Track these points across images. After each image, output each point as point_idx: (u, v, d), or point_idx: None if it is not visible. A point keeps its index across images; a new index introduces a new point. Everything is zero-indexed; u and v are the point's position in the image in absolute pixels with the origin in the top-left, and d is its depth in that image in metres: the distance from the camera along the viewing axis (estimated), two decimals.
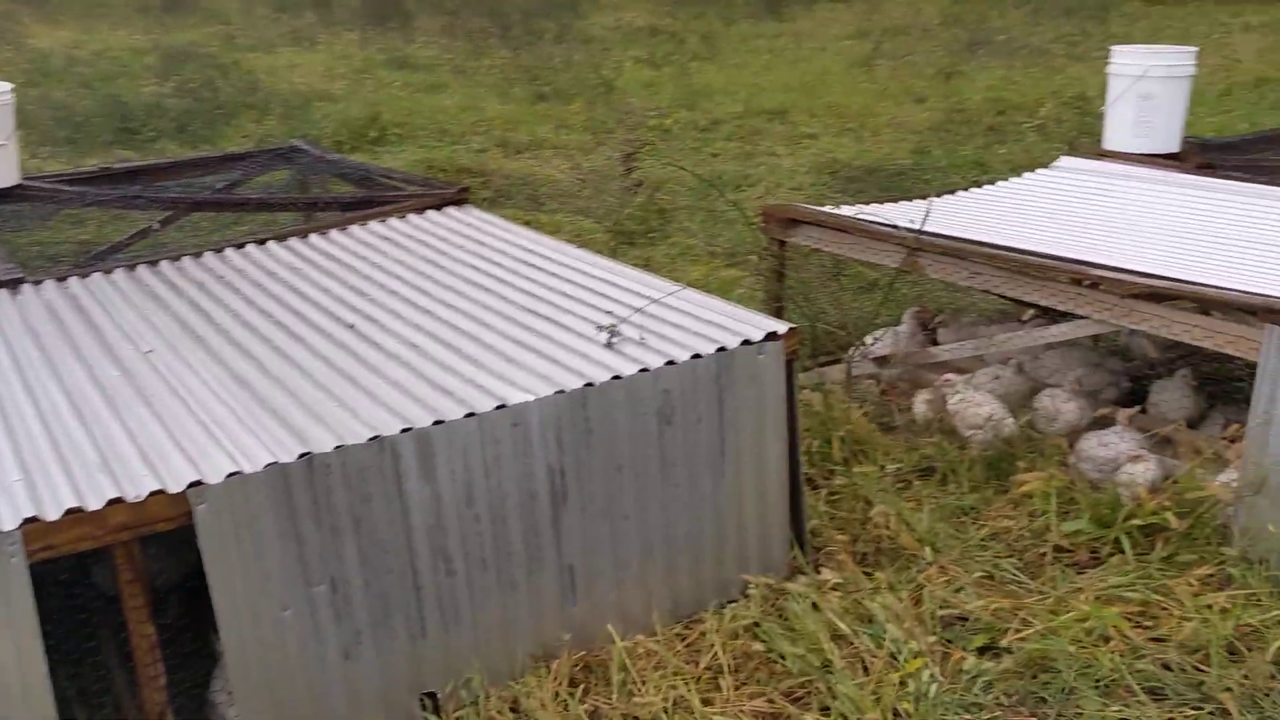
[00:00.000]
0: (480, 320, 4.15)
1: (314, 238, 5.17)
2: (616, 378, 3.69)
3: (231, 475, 3.10)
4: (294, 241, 5.14)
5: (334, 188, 6.51)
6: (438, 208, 5.44)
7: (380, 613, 3.40)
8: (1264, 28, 17.39)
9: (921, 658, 3.69)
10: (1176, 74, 6.58)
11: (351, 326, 4.14)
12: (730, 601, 4.06)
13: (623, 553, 3.83)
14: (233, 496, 3.11)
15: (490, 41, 18.15)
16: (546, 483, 3.63)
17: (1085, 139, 10.89)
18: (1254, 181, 6.12)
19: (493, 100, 14.30)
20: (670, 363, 3.78)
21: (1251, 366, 4.01)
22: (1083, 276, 4.54)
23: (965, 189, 6.59)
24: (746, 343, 3.91)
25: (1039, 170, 6.69)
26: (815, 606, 3.92)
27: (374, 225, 5.30)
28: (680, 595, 3.98)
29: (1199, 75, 6.80)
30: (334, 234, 5.22)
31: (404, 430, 3.33)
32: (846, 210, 5.80)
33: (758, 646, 3.80)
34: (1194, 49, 6.74)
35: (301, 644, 3.29)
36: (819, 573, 4.12)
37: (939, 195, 6.36)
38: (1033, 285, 4.77)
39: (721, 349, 3.86)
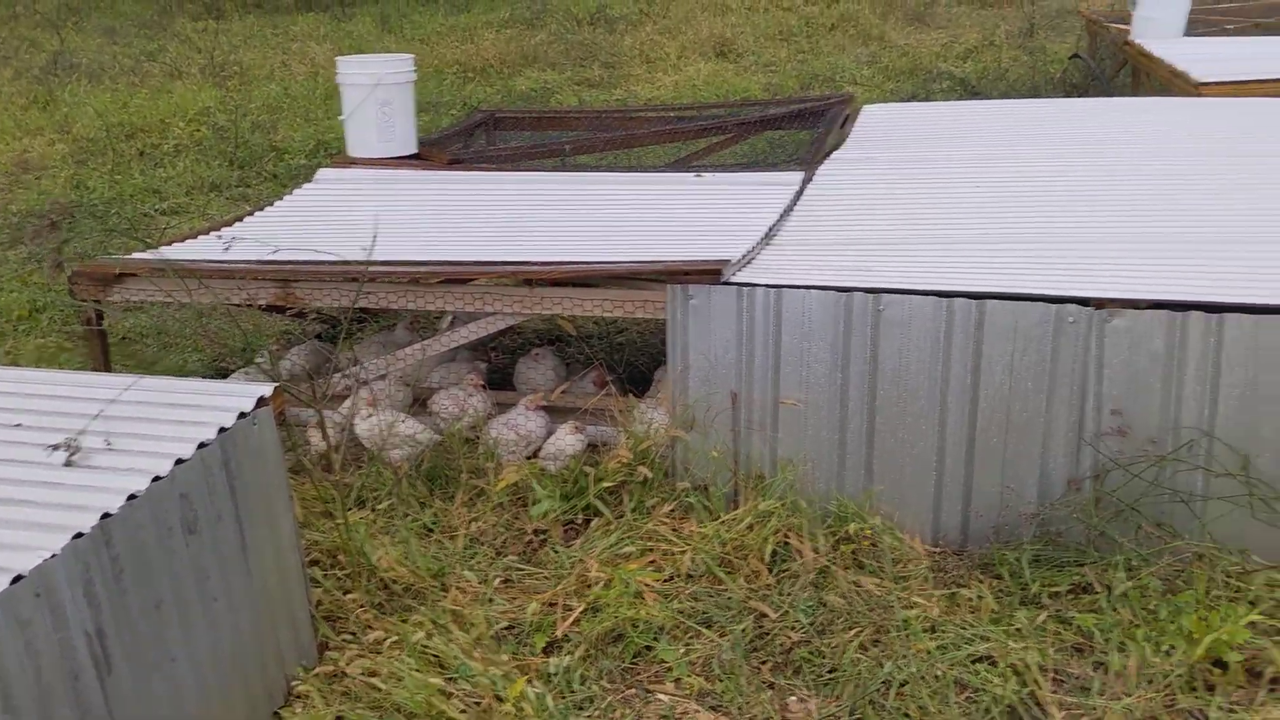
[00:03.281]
0: None
1: None
2: (133, 498, 2.86)
3: None
4: None
5: None
6: None
7: None
8: (324, 38, 18.59)
9: (518, 678, 3.54)
10: (404, 80, 6.85)
11: None
12: (283, 707, 3.45)
13: (183, 705, 3.02)
14: None
15: None
16: (88, 654, 2.71)
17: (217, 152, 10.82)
18: (501, 169, 6.69)
19: None
20: (180, 461, 3.03)
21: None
22: (498, 274, 4.61)
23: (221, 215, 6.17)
24: (242, 415, 3.28)
25: (307, 185, 6.50)
26: (387, 675, 3.51)
27: None
28: None
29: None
30: None
31: None
32: (164, 254, 5.06)
33: None
34: (412, 56, 7.06)
35: None
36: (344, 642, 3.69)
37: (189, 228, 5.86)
38: (433, 293, 4.70)
39: (223, 429, 3.20)
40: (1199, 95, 7.80)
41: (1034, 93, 10.46)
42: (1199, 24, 10.25)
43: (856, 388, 4.27)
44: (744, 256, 4.64)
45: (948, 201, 5.42)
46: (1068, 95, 10.22)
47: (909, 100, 10.91)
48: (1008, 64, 12.38)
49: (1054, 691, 3.50)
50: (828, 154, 6.51)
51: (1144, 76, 9.30)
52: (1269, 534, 3.93)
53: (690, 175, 6.13)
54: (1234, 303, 3.89)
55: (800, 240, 5.02)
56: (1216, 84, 7.85)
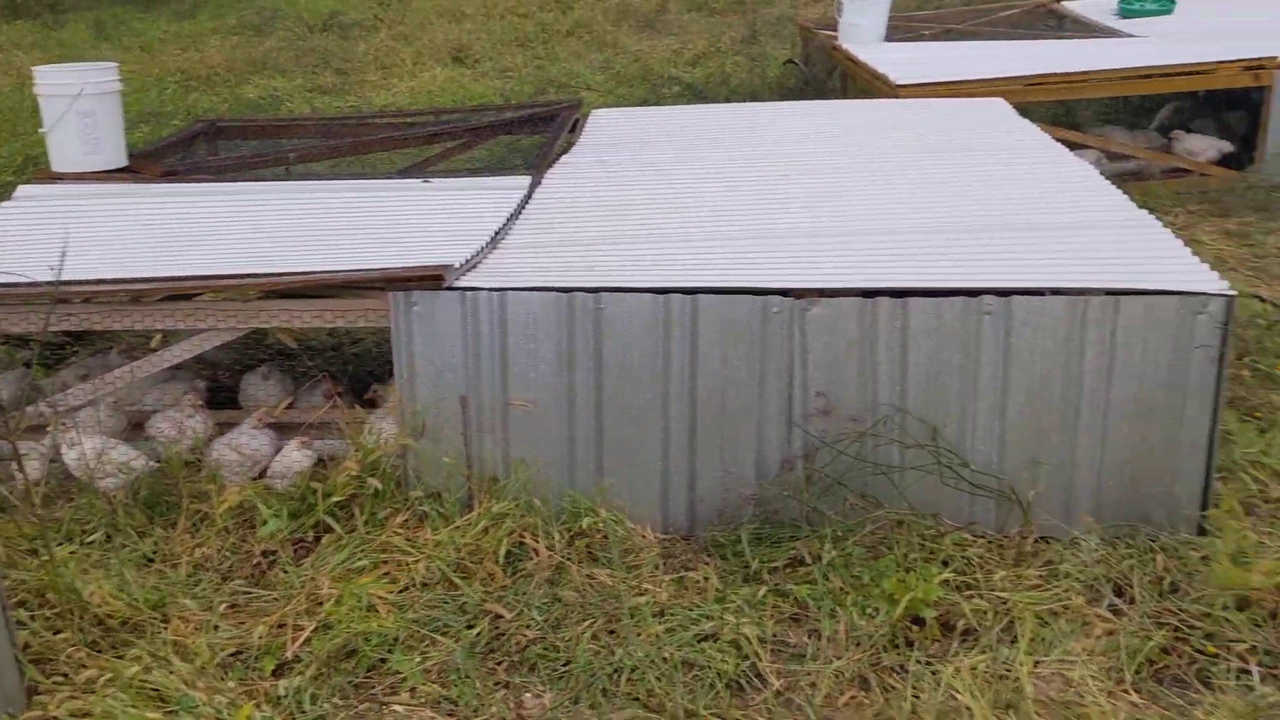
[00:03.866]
0: None
1: None
2: None
3: None
4: None
5: None
6: None
7: None
8: (33, 47, 17.25)
9: (244, 704, 3.41)
10: (109, 89, 6.45)
11: None
12: None
13: None
14: None
15: None
16: None
17: None
18: (220, 180, 6.41)
19: None
20: None
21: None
22: (205, 289, 4.40)
23: None
24: None
25: (5, 204, 6.02)
26: (101, 714, 3.31)
27: None
28: None
29: None
30: None
31: None
32: None
33: None
34: (116, 64, 6.65)
35: None
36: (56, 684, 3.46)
37: None
38: (141, 311, 4.45)
39: None
40: (897, 96, 8.37)
41: (754, 96, 10.92)
42: (899, 30, 10.99)
43: (583, 385, 4.35)
44: (469, 261, 4.64)
45: (669, 201, 5.60)
46: (784, 99, 10.75)
47: (640, 105, 11.19)
48: (731, 69, 12.89)
49: (773, 661, 3.68)
50: (557, 158, 6.60)
51: (851, 80, 9.89)
52: (957, 497, 4.27)
53: (418, 181, 6.07)
54: (917, 287, 4.20)
55: (527, 243, 5.06)
56: (913, 85, 8.45)
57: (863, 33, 10.13)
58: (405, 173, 7.15)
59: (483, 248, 4.83)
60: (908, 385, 4.23)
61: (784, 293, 4.23)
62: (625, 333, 4.28)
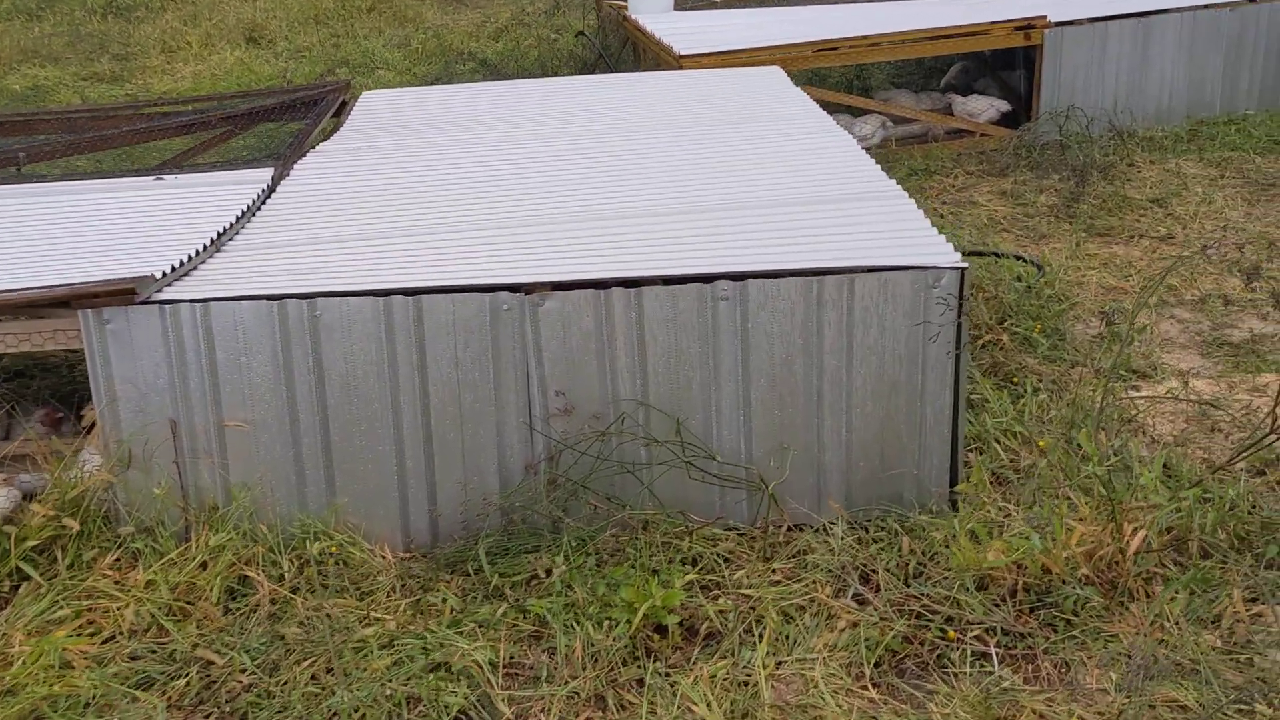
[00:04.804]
0: None
1: None
2: None
3: None
4: None
5: None
6: None
7: None
8: None
9: None
10: None
11: None
12: None
13: None
14: None
15: None
16: None
17: None
18: None
19: None
20: None
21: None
22: None
23: None
24: None
25: None
26: None
27: None
28: None
29: None
30: None
31: None
32: None
33: None
34: None
35: None
36: None
37: None
38: None
39: None
40: (681, 68, 8.16)
41: (546, 71, 10.61)
42: None
43: (305, 399, 3.99)
44: (180, 268, 4.21)
45: (417, 191, 5.26)
46: (580, 73, 10.46)
47: (432, 84, 10.75)
48: (531, 44, 12.51)
49: (506, 687, 3.43)
50: (314, 146, 6.17)
51: (643, 51, 9.66)
52: (708, 491, 4.09)
53: (150, 180, 5.57)
54: (651, 275, 3.98)
55: (255, 244, 4.66)
56: (696, 55, 8.26)
57: (652, 2, 9.90)
58: (154, 170, 6.60)
59: (198, 252, 4.41)
60: (649, 378, 4.02)
61: (513, 288, 3.96)
62: (345, 340, 3.94)
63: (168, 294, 3.99)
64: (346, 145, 6.22)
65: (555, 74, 10.63)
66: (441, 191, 5.23)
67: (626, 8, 10.08)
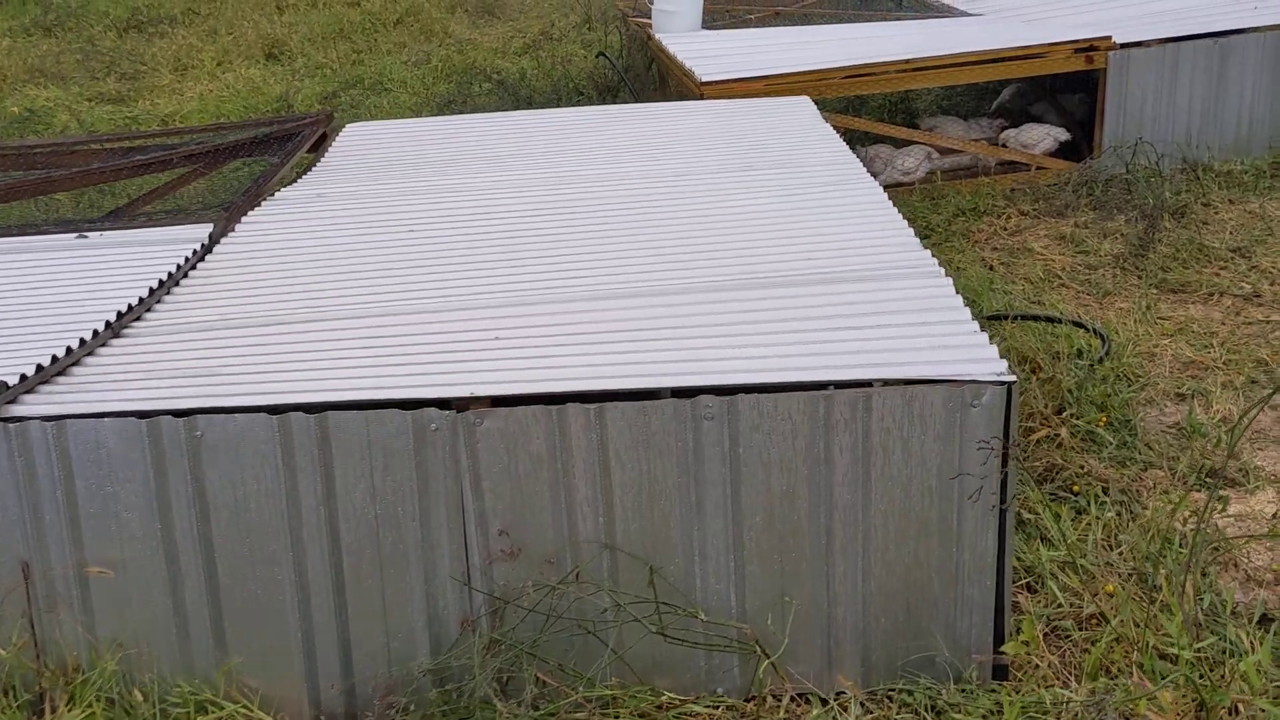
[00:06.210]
0: None
1: None
2: None
3: None
4: None
5: None
6: None
7: None
8: None
9: None
10: None
11: None
12: None
13: None
14: None
15: None
16: None
17: None
18: None
19: None
20: None
21: None
22: None
23: None
24: None
25: None
26: None
27: None
28: None
29: None
30: None
31: None
32: None
33: None
34: None
35: None
36: None
37: None
38: None
39: None
40: (702, 95, 7.32)
41: (563, 95, 9.81)
42: (722, 15, 9.94)
43: (185, 535, 3.20)
44: (48, 368, 3.45)
45: (359, 257, 4.45)
46: (600, 95, 9.66)
47: (445, 105, 10.02)
48: (555, 61, 11.72)
49: None
50: (274, 191, 5.43)
51: (668, 73, 8.82)
52: (690, 655, 3.24)
53: (71, 237, 4.84)
54: (616, 389, 3.14)
55: (158, 327, 3.89)
56: (719, 82, 7.41)
57: (675, 21, 9.03)
58: (82, 224, 5.84)
59: (82, 343, 3.64)
60: (614, 514, 3.18)
61: (443, 404, 3.14)
62: (233, 465, 3.14)
63: (19, 407, 3.22)
64: (308, 191, 5.45)
65: (574, 97, 9.84)
66: (386, 258, 4.41)
67: (651, 26, 9.24)
